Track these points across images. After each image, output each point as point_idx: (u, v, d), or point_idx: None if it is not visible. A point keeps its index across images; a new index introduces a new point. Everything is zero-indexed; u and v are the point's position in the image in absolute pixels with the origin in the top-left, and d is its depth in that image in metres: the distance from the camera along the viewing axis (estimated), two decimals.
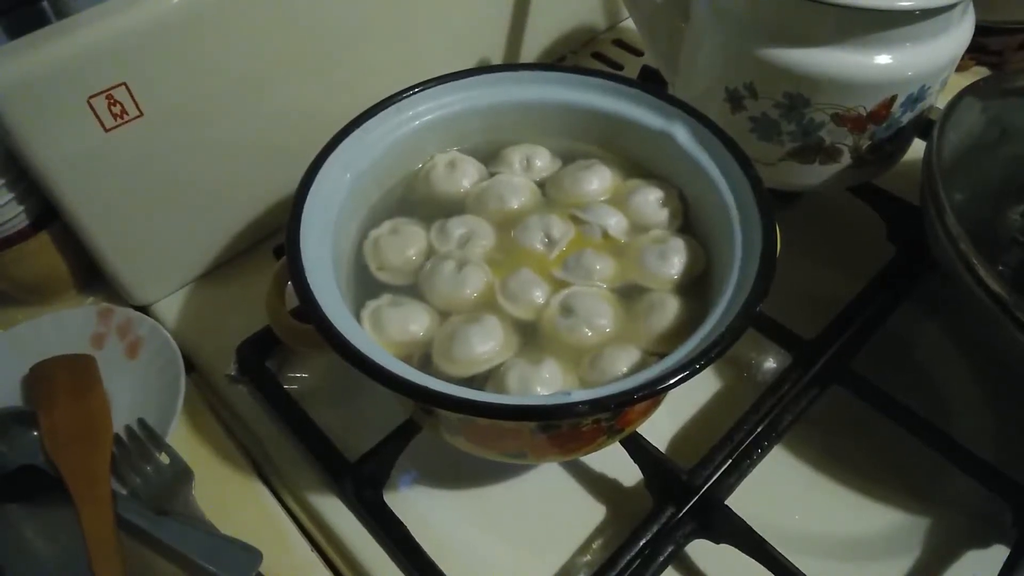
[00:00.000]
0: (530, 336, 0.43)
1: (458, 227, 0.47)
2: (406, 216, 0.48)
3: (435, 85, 0.49)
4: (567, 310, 0.42)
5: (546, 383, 0.39)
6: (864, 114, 0.49)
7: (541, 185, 0.50)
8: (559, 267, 0.45)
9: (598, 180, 0.49)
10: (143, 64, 0.48)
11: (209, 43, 0.50)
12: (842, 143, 0.51)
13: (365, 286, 0.45)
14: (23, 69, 0.44)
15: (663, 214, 0.48)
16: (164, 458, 0.47)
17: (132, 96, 0.48)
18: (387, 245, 0.46)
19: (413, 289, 0.45)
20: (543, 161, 0.51)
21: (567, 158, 0.52)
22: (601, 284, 0.44)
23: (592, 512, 0.48)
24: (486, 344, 0.41)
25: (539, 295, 0.43)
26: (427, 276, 0.44)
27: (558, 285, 0.44)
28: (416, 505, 0.47)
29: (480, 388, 0.40)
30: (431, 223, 0.48)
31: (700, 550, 0.45)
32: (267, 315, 0.46)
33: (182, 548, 0.43)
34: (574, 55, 0.80)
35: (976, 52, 0.76)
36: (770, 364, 0.54)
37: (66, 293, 0.59)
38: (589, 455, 0.47)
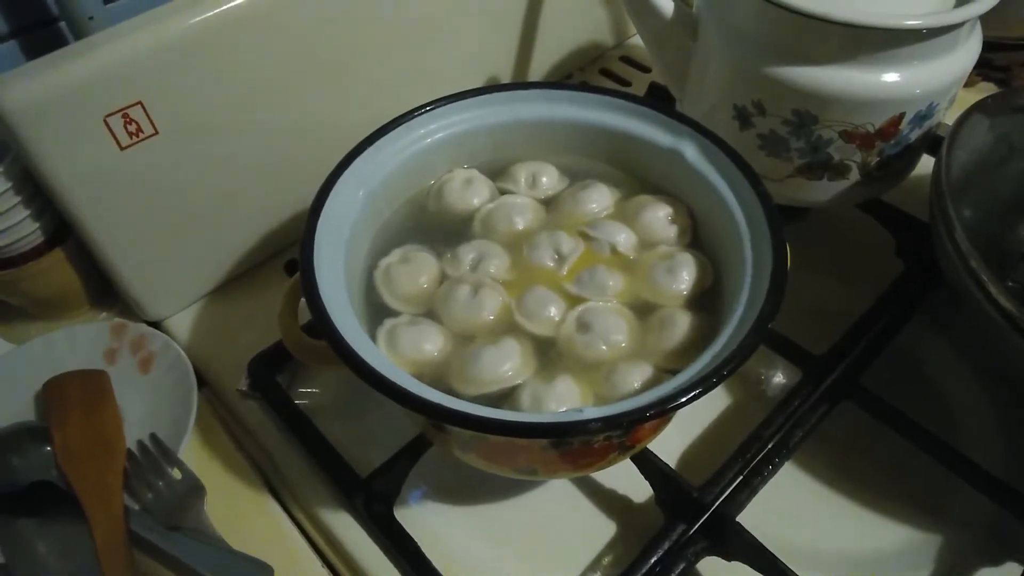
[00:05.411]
0: (547, 354, 0.43)
1: (469, 252, 0.47)
2: (416, 237, 0.49)
3: (446, 104, 0.49)
4: (584, 326, 0.43)
5: (561, 399, 0.39)
6: (872, 131, 0.49)
7: (547, 203, 0.51)
8: (572, 282, 0.45)
9: (597, 199, 0.49)
10: (159, 83, 0.48)
11: (223, 62, 0.50)
12: (850, 160, 0.51)
13: (377, 308, 0.45)
14: (41, 89, 0.45)
15: (672, 230, 0.48)
16: (176, 473, 0.48)
17: (148, 115, 0.49)
18: (398, 274, 0.46)
19: (429, 315, 0.45)
20: (550, 179, 0.52)
21: (576, 176, 0.52)
22: (614, 300, 0.45)
23: (602, 529, 0.48)
24: (503, 365, 0.41)
25: (555, 311, 0.44)
26: (443, 302, 0.44)
27: (573, 300, 0.44)
28: (426, 521, 0.47)
29: (494, 406, 0.40)
30: (441, 247, 0.48)
31: (712, 567, 0.45)
32: (279, 331, 0.46)
33: (194, 563, 0.43)
34: (582, 72, 0.81)
35: (982, 68, 0.76)
36: (780, 380, 0.54)
37: (79, 308, 0.59)
38: (599, 471, 0.47)
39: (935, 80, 0.48)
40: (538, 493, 0.49)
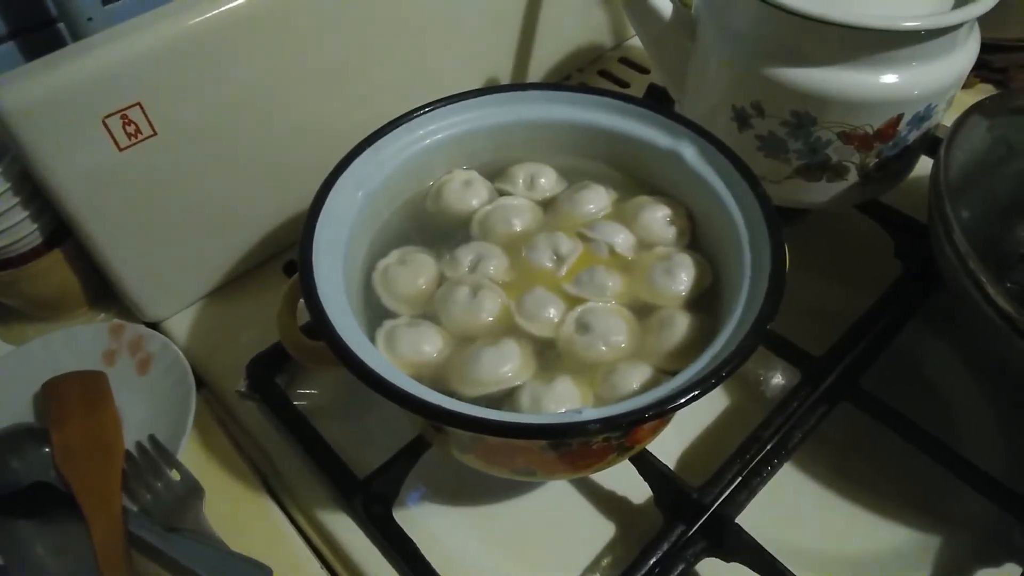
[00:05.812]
0: (546, 355, 0.43)
1: (467, 253, 0.47)
2: (414, 238, 0.49)
3: (445, 104, 0.49)
4: (583, 327, 0.43)
5: (560, 400, 0.39)
6: (871, 132, 0.49)
7: (545, 205, 0.51)
8: (571, 283, 0.45)
9: (594, 200, 0.50)
10: (157, 84, 0.48)
11: (222, 64, 0.50)
12: (849, 161, 0.52)
13: (376, 309, 0.45)
14: (39, 90, 0.44)
15: (671, 231, 0.48)
16: (175, 474, 0.47)
17: (146, 116, 0.49)
18: (397, 275, 0.46)
19: (427, 317, 0.45)
20: (548, 180, 0.52)
21: (574, 177, 0.52)
22: (613, 301, 0.45)
23: (601, 530, 0.48)
24: (503, 366, 0.41)
25: (554, 312, 0.44)
26: (442, 303, 0.44)
27: (572, 301, 0.44)
28: (425, 522, 0.47)
29: (494, 407, 0.40)
30: (439, 249, 0.48)
31: (711, 568, 0.45)
32: (278, 332, 0.46)
33: (192, 565, 0.43)
34: (580, 73, 0.81)
35: (980, 69, 0.76)
36: (779, 381, 0.54)
37: (78, 310, 0.59)
38: (598, 472, 0.47)
39: (933, 81, 0.48)
40: (537, 494, 0.49)
